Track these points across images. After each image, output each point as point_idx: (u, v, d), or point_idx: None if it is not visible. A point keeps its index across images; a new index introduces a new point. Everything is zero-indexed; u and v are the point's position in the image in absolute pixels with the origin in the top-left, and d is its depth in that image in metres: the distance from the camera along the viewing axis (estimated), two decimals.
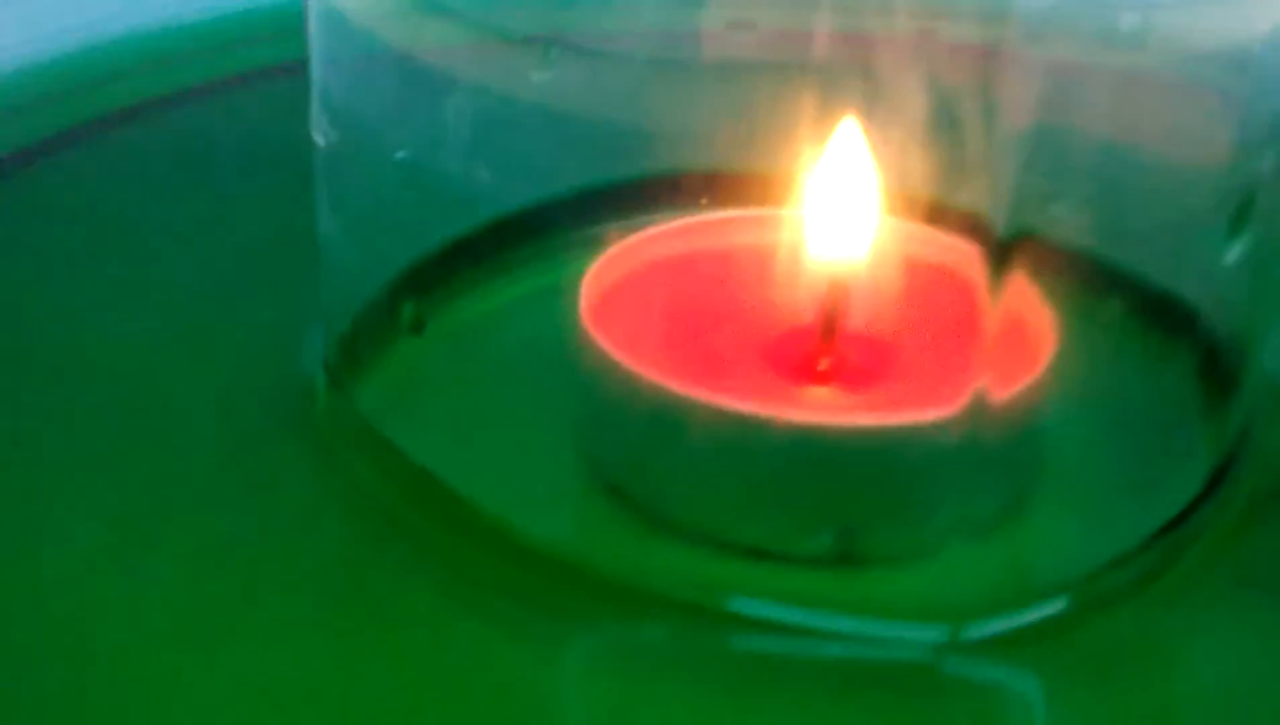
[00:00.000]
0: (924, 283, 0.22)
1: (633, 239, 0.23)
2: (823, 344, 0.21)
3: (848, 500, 0.20)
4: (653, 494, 0.20)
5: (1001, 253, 0.18)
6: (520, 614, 0.19)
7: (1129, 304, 0.22)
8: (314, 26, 0.22)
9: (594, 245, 0.22)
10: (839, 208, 0.22)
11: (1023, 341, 0.20)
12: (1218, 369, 0.22)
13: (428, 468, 0.21)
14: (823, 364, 0.21)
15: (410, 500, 0.21)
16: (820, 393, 0.21)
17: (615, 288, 0.22)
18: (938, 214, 0.22)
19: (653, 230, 0.23)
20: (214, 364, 0.23)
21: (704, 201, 0.24)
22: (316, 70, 0.22)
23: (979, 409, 0.19)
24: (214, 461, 0.21)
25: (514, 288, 0.24)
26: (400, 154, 0.23)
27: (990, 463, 0.19)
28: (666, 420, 0.20)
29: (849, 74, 0.21)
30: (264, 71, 0.30)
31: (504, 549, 0.20)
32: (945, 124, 0.19)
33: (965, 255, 0.19)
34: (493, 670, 0.18)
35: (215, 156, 0.28)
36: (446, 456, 0.21)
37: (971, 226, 0.19)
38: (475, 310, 0.24)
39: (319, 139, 0.22)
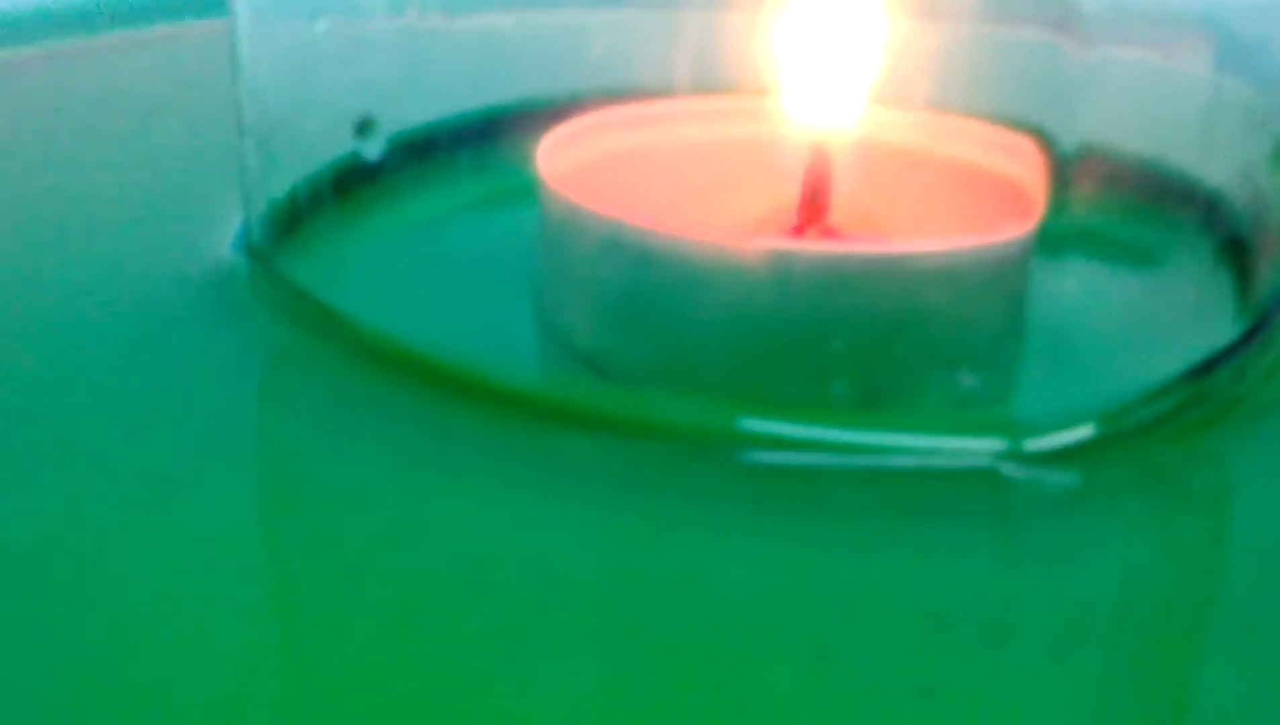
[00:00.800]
0: (918, 165, 0.21)
1: (585, 120, 0.21)
2: (808, 216, 0.20)
3: (875, 339, 0.18)
4: (640, 358, 0.18)
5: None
6: (496, 464, 0.17)
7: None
8: None
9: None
10: (819, 75, 0.20)
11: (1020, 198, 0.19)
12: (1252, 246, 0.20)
13: (379, 331, 0.18)
14: (810, 235, 0.19)
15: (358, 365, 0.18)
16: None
17: (572, 171, 0.20)
18: None
19: (604, 115, 0.21)
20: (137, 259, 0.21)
21: None
22: None
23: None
24: (145, 340, 0.19)
25: (442, 197, 0.22)
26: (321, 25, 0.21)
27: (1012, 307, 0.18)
28: (660, 269, 0.18)
29: None
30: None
31: (468, 401, 0.17)
32: None
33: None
34: (482, 520, 0.16)
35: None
36: (397, 320, 0.19)
37: None
38: (404, 213, 0.22)
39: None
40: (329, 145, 0.21)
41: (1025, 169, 0.19)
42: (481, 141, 0.22)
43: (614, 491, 0.17)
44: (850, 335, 0.17)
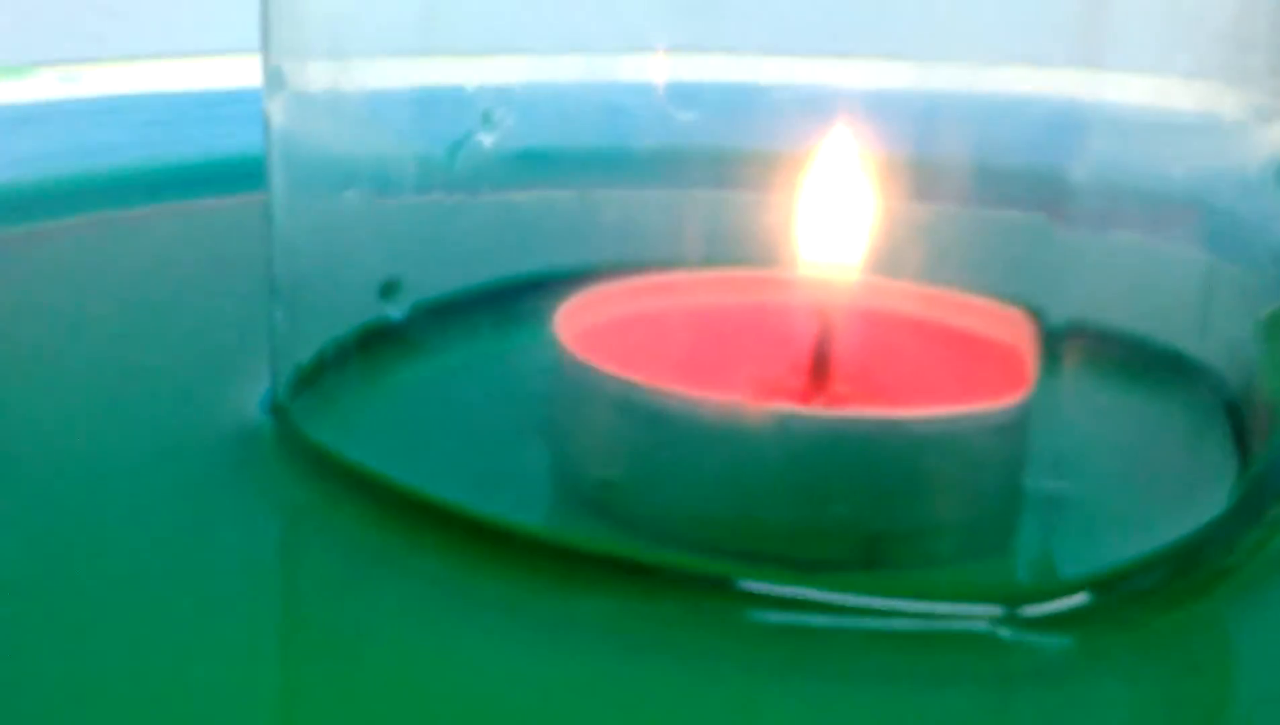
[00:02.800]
0: (916, 334, 0.21)
1: (601, 287, 0.22)
2: (814, 382, 0.20)
3: (877, 502, 0.18)
4: (648, 509, 0.19)
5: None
6: (506, 620, 0.18)
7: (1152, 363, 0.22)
8: None
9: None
10: (828, 244, 0.21)
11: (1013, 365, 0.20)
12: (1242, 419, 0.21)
13: (401, 485, 0.19)
14: (815, 400, 0.20)
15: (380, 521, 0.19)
16: None
17: (588, 334, 0.21)
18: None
19: (622, 283, 0.22)
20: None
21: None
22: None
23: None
24: (171, 494, 0.20)
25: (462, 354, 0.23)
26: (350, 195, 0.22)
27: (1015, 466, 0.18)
28: (668, 428, 0.18)
29: None
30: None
31: (481, 550, 0.18)
32: None
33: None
34: (492, 674, 0.17)
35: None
36: (415, 472, 0.19)
37: None
38: (428, 367, 0.23)
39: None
40: (355, 310, 0.22)
41: (1018, 339, 0.20)
42: (501, 306, 0.23)
43: (617, 647, 0.17)
44: (852, 497, 0.18)
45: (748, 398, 0.19)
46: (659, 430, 0.18)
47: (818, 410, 0.19)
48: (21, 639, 0.17)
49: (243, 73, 0.32)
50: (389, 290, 0.21)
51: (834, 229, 0.22)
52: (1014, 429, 0.19)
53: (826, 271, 0.21)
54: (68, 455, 0.21)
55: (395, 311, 0.22)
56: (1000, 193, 0.22)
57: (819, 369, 0.20)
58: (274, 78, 0.22)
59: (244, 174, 0.27)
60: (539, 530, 0.19)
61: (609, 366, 0.19)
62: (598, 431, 0.19)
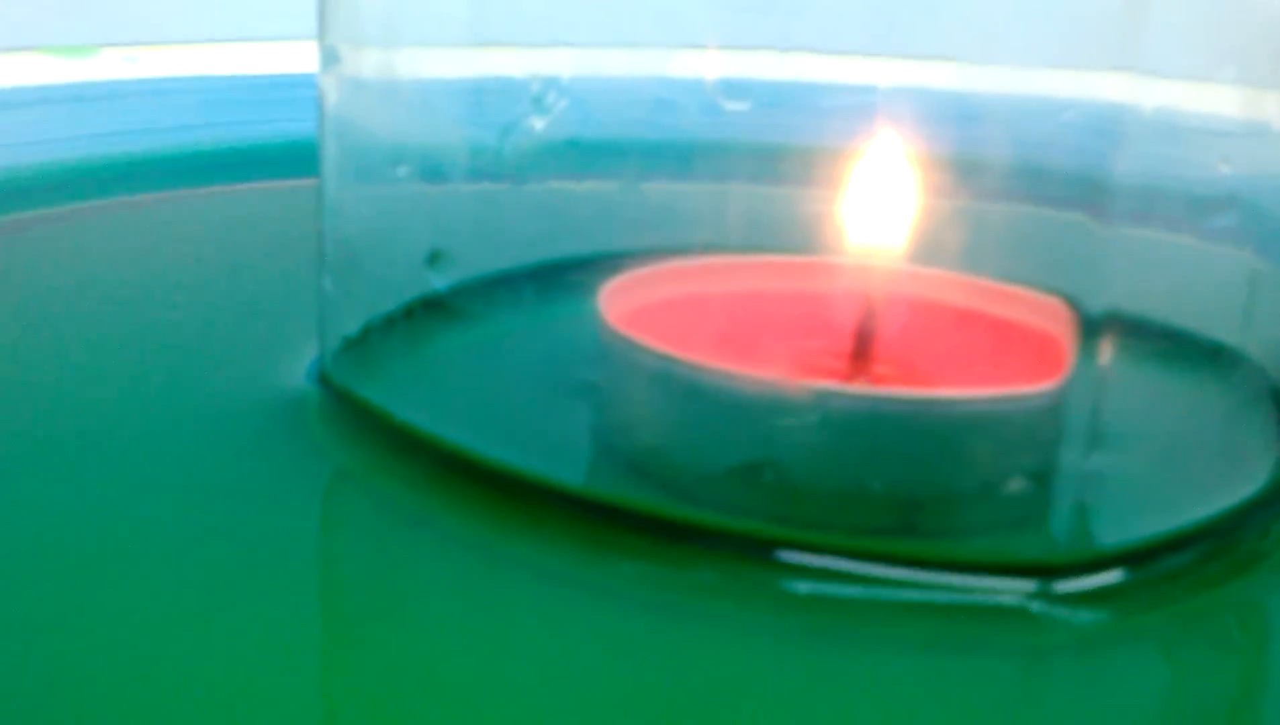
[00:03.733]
0: (956, 321, 0.22)
1: (648, 270, 0.22)
2: (856, 366, 0.21)
3: (915, 477, 0.18)
4: (688, 477, 0.19)
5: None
6: (547, 574, 0.18)
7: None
8: None
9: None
10: (870, 231, 0.21)
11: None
12: None
13: (444, 443, 0.19)
14: (856, 382, 0.20)
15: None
16: None
17: (632, 313, 0.21)
18: None
19: (667, 265, 0.22)
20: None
21: None
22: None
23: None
24: (217, 460, 0.20)
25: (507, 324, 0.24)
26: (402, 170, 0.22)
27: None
28: (708, 403, 0.19)
29: None
30: None
31: (522, 512, 0.18)
32: None
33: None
34: (528, 637, 0.17)
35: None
36: (458, 431, 0.20)
37: None
38: (472, 336, 0.23)
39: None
40: (403, 284, 0.22)
41: (1057, 327, 0.20)
42: (545, 282, 0.24)
43: (652, 614, 0.17)
44: (887, 474, 0.18)
45: (788, 375, 0.19)
46: (698, 404, 0.19)
47: (857, 387, 0.19)
48: (74, 588, 0.17)
49: (299, 58, 0.33)
50: (435, 259, 0.22)
51: (878, 220, 0.22)
52: (1049, 411, 0.19)
53: (869, 258, 0.21)
54: (117, 421, 0.21)
55: (440, 281, 0.22)
56: (1045, 192, 0.23)
57: (860, 351, 0.21)
58: (329, 56, 0.22)
59: (298, 157, 0.28)
60: (578, 489, 0.19)
61: (652, 343, 0.19)
62: (639, 405, 0.19)
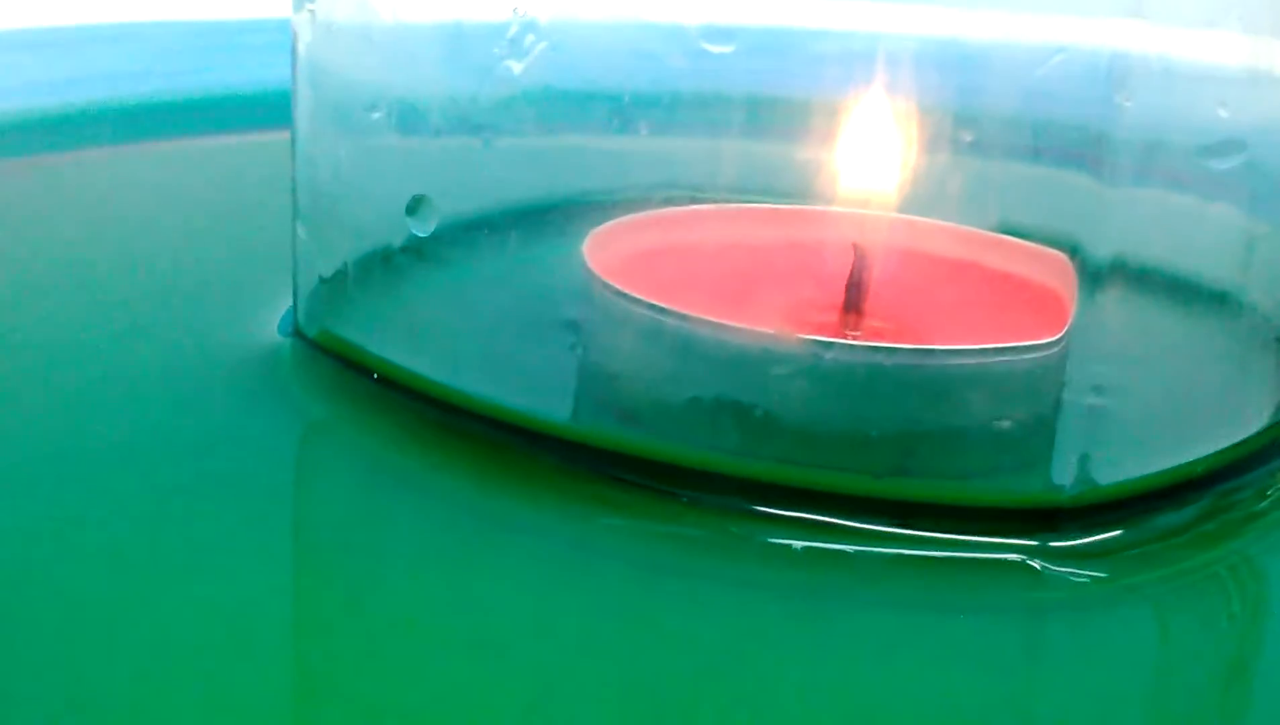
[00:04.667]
0: (953, 273, 0.21)
1: (633, 218, 0.21)
2: (848, 318, 0.20)
3: (911, 429, 0.18)
4: (678, 429, 0.18)
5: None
6: (530, 530, 0.17)
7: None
8: None
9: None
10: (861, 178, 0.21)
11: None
12: None
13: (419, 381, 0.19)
14: (851, 335, 0.20)
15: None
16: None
17: (619, 262, 0.20)
18: None
19: (653, 213, 0.21)
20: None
21: None
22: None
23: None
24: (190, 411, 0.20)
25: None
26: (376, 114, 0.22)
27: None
28: (699, 354, 0.18)
29: None
30: None
31: (502, 471, 0.18)
32: None
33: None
34: (511, 594, 0.16)
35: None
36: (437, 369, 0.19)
37: None
38: (449, 278, 0.22)
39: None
40: (378, 229, 0.21)
41: (1056, 279, 0.20)
42: (526, 226, 0.23)
43: (642, 571, 0.17)
44: (880, 426, 0.18)
45: (779, 328, 0.19)
46: (688, 357, 0.18)
47: (848, 340, 0.19)
48: (50, 536, 0.17)
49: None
50: (415, 206, 0.21)
51: (870, 169, 0.21)
52: (1047, 364, 0.18)
53: (861, 206, 0.21)
54: (85, 380, 0.20)
55: (420, 229, 0.21)
56: (1043, 141, 0.22)
57: (852, 303, 0.20)
58: None
59: (271, 107, 0.27)
60: (562, 428, 0.18)
61: (640, 294, 0.18)
62: (627, 357, 0.19)
